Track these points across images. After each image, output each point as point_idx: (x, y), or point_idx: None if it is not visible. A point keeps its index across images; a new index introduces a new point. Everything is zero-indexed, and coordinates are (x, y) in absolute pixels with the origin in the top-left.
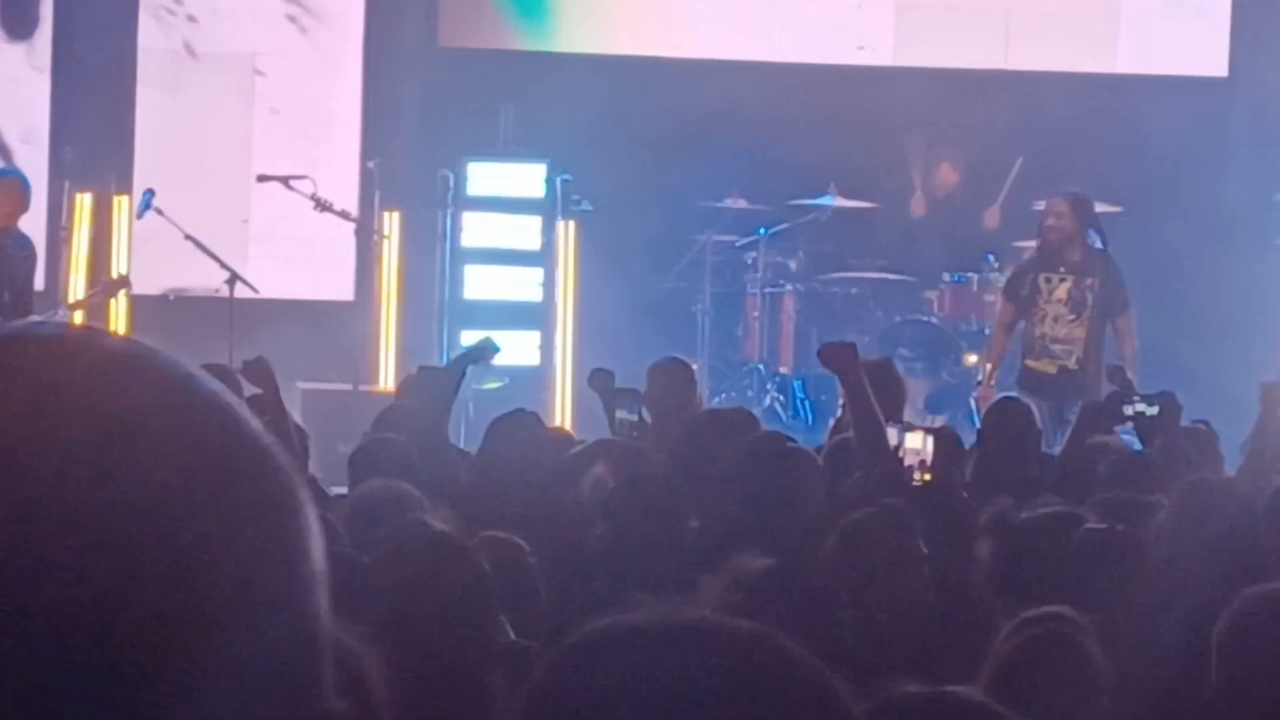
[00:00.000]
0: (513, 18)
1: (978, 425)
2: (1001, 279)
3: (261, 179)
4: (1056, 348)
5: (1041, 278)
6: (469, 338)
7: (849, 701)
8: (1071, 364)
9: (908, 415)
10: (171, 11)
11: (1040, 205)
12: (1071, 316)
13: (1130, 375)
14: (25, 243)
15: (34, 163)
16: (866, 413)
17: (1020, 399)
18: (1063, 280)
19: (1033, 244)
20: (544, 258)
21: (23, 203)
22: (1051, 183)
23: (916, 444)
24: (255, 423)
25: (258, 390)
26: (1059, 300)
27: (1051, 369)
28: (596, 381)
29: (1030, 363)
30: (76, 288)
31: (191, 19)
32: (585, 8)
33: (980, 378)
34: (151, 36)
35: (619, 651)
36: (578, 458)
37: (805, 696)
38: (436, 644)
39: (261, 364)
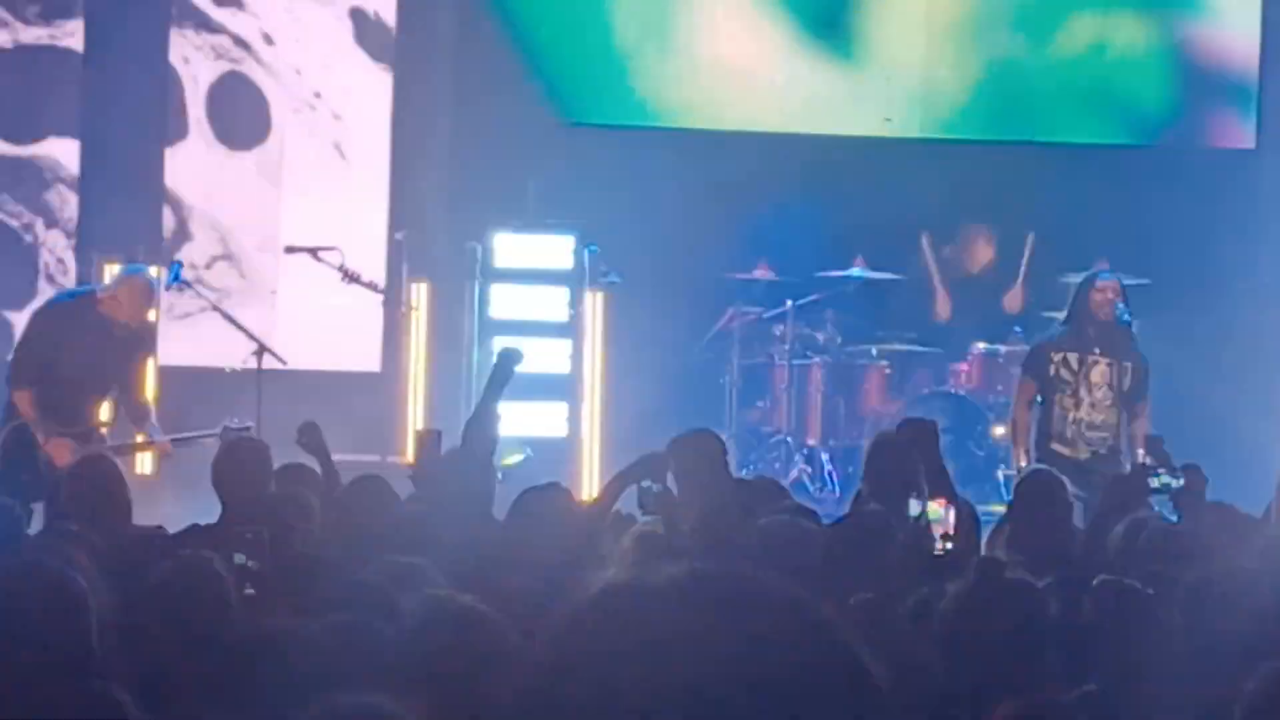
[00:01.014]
0: (540, 90)
1: (1007, 498)
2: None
3: (289, 250)
4: (1092, 434)
5: (1074, 357)
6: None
7: (869, 662)
8: (1104, 450)
9: None
10: (199, 82)
11: (1072, 279)
12: (1108, 401)
13: (1143, 451)
14: (143, 339)
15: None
16: (946, 488)
17: (1052, 471)
18: (1095, 362)
19: (1060, 315)
20: (572, 329)
21: (149, 301)
22: (1079, 256)
23: (938, 515)
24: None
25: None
26: (1095, 384)
27: (1084, 454)
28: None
29: (1058, 447)
30: None
31: (219, 92)
32: (612, 80)
33: (1016, 466)
34: (181, 110)
35: (640, 604)
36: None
37: (828, 656)
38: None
39: (314, 430)
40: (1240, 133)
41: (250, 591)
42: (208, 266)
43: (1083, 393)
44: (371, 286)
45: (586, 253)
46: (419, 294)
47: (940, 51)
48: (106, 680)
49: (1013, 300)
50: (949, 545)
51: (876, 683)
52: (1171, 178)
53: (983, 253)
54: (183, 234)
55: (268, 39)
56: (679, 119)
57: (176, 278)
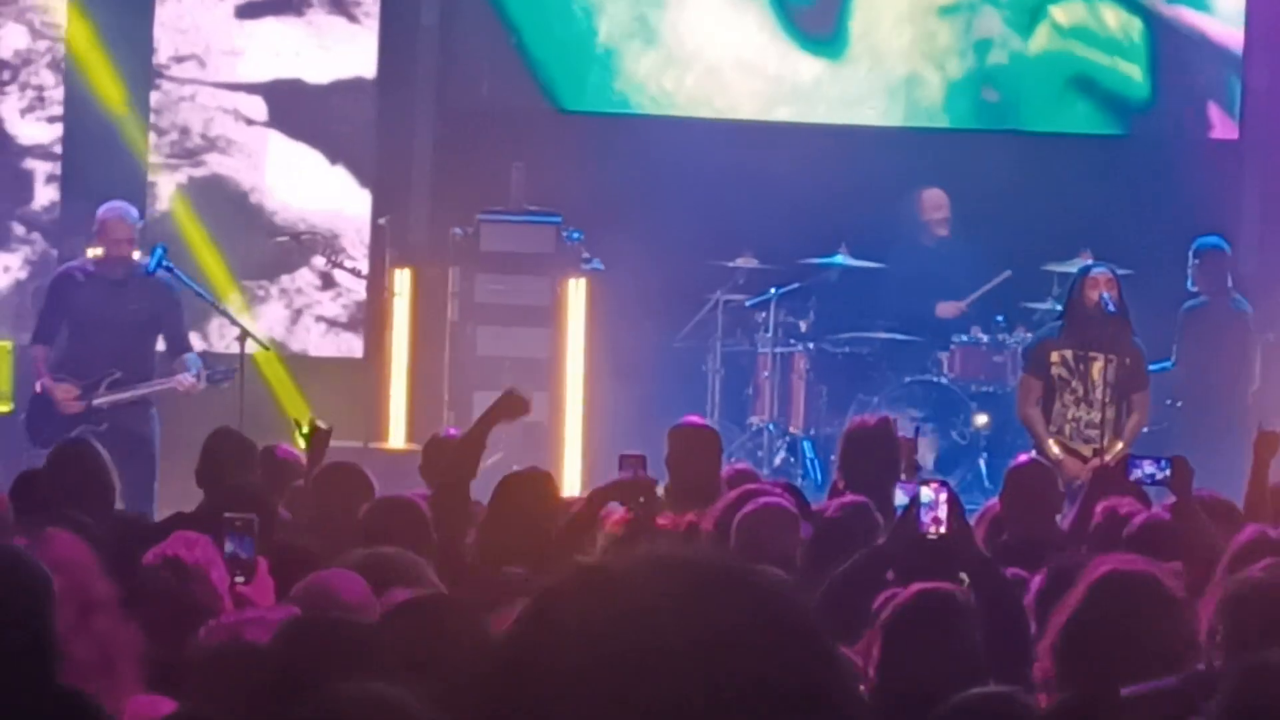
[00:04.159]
0: (525, 76)
1: (987, 486)
2: (1011, 339)
3: (273, 236)
4: (1091, 432)
5: (1071, 354)
6: (480, 398)
7: (825, 636)
8: (1104, 444)
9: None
10: (183, 73)
11: (1054, 268)
12: (1106, 398)
13: (1122, 444)
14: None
15: (48, 217)
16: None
17: (1042, 461)
18: (1094, 359)
19: (1044, 306)
20: (554, 316)
21: (113, 231)
22: (1063, 244)
23: (929, 498)
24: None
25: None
26: (1093, 382)
27: (1086, 451)
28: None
29: (1060, 441)
30: None
31: (204, 78)
32: (597, 67)
33: (1050, 456)
34: (165, 93)
35: (598, 590)
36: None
37: (799, 640)
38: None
39: (323, 435)
40: (1224, 124)
41: (240, 579)
42: None
43: (1081, 390)
44: (354, 272)
45: (570, 239)
46: (402, 280)
47: (925, 40)
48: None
49: (945, 309)
50: (942, 530)
51: (845, 665)
52: (1155, 168)
53: (936, 202)
54: None
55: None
56: (664, 107)
57: (159, 264)
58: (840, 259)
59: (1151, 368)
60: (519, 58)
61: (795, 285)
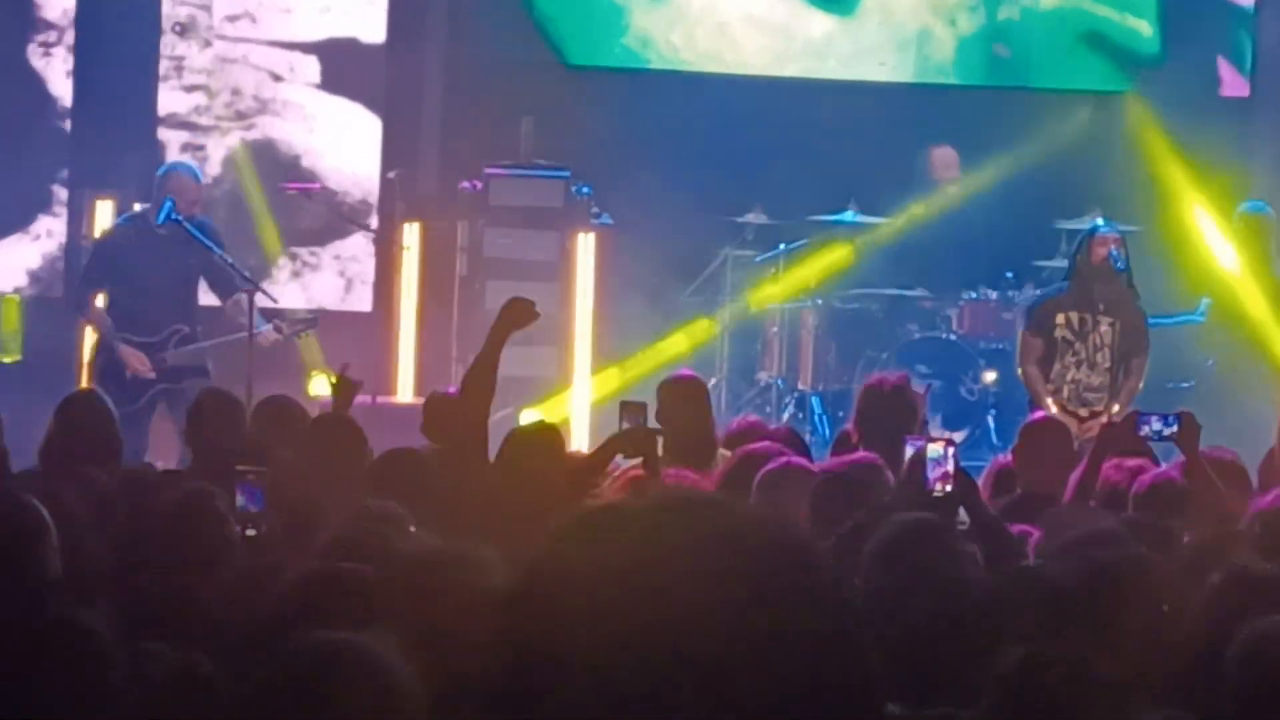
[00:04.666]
0: (534, 30)
1: (995, 443)
2: (1020, 296)
3: (282, 189)
4: (1090, 395)
5: (1076, 317)
6: None
7: (836, 577)
8: (1101, 408)
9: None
10: (196, 21)
11: (1063, 225)
12: (1107, 363)
13: (1119, 408)
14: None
15: (56, 168)
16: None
17: (1055, 418)
18: (1098, 322)
19: (1053, 263)
20: (563, 271)
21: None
22: (1072, 202)
23: (937, 454)
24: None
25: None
26: (1096, 345)
27: (1084, 413)
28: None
29: (1055, 403)
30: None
31: (217, 31)
32: (607, 22)
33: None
34: (176, 41)
35: (609, 530)
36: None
37: (802, 578)
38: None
39: (350, 386)
40: (1235, 81)
41: (252, 533)
42: None
43: (1083, 353)
44: (364, 226)
45: (579, 194)
46: (411, 234)
47: None
48: (73, 606)
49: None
50: (948, 487)
51: (845, 597)
52: (1165, 125)
53: (948, 161)
54: None
55: None
56: (673, 62)
57: (168, 216)
58: (850, 215)
59: (1179, 319)
60: (528, 12)
61: (804, 241)
